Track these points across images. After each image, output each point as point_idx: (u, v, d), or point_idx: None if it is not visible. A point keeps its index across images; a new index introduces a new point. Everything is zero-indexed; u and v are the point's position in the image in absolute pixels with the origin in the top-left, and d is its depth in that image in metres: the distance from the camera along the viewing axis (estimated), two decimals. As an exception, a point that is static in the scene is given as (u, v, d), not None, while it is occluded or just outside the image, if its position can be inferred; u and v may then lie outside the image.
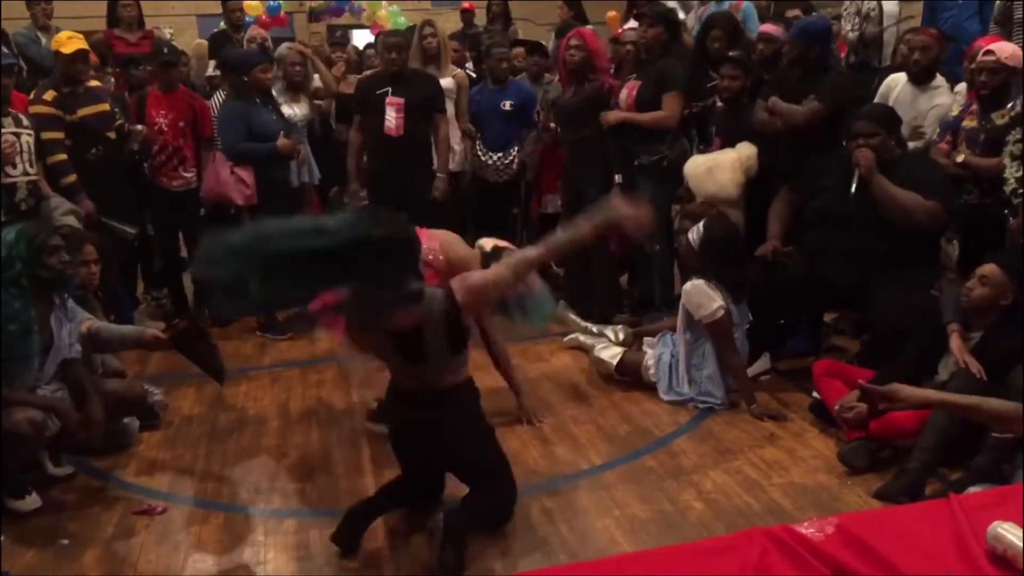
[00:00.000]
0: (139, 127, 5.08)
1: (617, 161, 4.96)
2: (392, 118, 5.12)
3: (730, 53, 4.82)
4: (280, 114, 5.25)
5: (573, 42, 4.97)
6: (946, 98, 4.55)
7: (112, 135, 4.93)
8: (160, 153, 5.23)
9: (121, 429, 3.80)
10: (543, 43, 6.45)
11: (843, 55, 5.66)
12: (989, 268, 3.34)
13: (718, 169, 4.62)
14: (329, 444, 3.81)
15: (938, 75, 4.60)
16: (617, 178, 4.96)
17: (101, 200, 4.74)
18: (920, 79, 4.57)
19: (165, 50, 5.46)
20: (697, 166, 4.71)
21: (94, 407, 3.39)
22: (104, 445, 3.72)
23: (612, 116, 4.89)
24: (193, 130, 5.30)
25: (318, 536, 3.04)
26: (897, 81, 4.68)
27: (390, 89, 5.15)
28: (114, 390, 3.71)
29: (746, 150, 4.62)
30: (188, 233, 5.44)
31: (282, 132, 5.03)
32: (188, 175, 5.31)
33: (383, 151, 5.25)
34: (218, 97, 5.36)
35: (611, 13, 8.31)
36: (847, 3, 5.68)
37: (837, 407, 3.51)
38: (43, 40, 5.92)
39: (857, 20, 5.75)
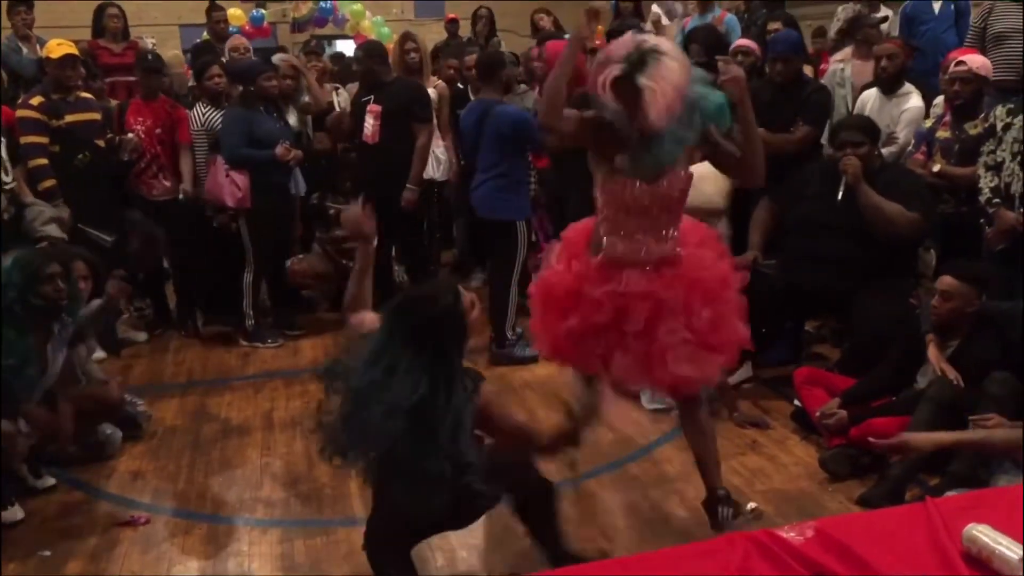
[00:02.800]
0: (131, 136, 5.08)
1: None
2: (369, 125, 5.17)
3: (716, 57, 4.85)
4: (286, 122, 5.31)
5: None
6: (916, 102, 4.63)
7: (101, 143, 4.92)
8: (138, 160, 5.21)
9: (103, 440, 3.79)
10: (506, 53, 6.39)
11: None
12: (947, 282, 3.34)
13: (703, 181, 4.60)
14: (313, 454, 3.74)
15: (906, 82, 4.69)
16: None
17: (81, 207, 4.72)
18: (888, 87, 4.65)
19: (149, 56, 5.45)
20: (681, 179, 4.74)
21: (64, 411, 3.38)
22: (87, 456, 3.72)
23: None
24: (171, 138, 5.27)
25: (302, 546, 3.04)
26: (869, 96, 4.79)
27: (372, 97, 5.20)
28: (88, 394, 3.68)
29: None
30: (170, 243, 5.42)
31: (282, 140, 5.05)
32: (167, 184, 5.29)
33: (362, 158, 5.39)
34: (199, 108, 5.33)
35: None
36: (839, 9, 5.77)
37: (818, 414, 3.55)
38: (24, 50, 5.89)
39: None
